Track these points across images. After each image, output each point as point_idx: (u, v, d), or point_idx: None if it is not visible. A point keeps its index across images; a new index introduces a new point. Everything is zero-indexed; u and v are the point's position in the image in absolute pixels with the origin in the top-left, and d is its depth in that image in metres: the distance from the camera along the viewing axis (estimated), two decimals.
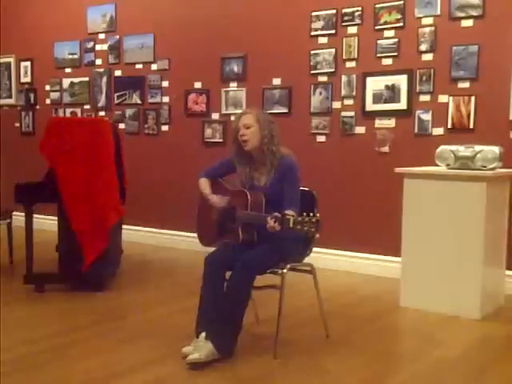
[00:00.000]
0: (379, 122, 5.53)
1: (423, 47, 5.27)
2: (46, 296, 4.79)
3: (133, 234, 6.77)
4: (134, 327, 4.07)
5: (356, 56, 5.62)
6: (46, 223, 6.21)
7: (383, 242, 5.42)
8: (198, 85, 6.64)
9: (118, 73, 7.26)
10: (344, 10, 5.63)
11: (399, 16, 5.36)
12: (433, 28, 5.22)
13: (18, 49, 8.16)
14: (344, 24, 5.65)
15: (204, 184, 3.83)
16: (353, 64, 5.65)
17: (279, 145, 3.68)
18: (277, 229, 3.30)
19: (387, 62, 5.46)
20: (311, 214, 3.23)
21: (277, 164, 3.64)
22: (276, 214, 3.32)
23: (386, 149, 5.50)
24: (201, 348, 3.33)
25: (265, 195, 3.59)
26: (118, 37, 7.20)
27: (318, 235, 3.25)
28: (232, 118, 6.34)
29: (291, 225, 3.24)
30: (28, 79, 8.14)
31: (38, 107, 8.07)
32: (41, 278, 4.90)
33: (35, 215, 4.94)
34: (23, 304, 4.58)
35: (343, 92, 5.70)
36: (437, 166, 4.53)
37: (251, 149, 3.66)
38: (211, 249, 3.70)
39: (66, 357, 3.52)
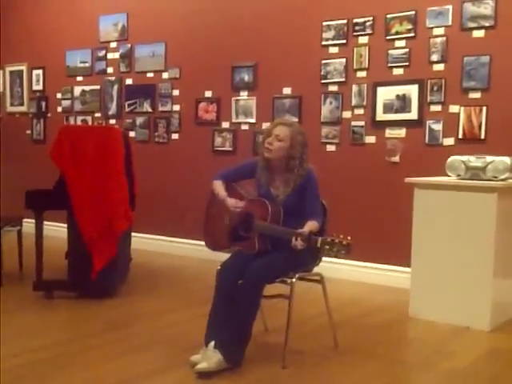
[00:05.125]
0: (390, 132, 5.52)
1: (434, 57, 5.26)
2: (55, 303, 4.79)
3: (142, 242, 6.77)
4: (142, 335, 4.07)
5: (367, 66, 5.62)
6: (56, 230, 6.22)
7: (393, 252, 5.39)
8: (208, 93, 6.66)
9: (129, 81, 7.30)
10: (355, 20, 5.64)
11: (410, 26, 5.36)
12: (444, 38, 5.21)
13: (30, 57, 8.23)
14: (355, 34, 5.65)
15: (219, 186, 3.77)
16: (363, 74, 5.65)
17: (307, 165, 3.65)
18: (302, 248, 3.29)
19: (398, 71, 5.46)
20: (341, 236, 3.21)
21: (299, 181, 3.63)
22: (302, 230, 3.31)
23: (396, 159, 5.49)
24: (209, 357, 3.31)
25: (282, 206, 3.58)
26: (129, 45, 7.24)
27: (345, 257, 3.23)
28: (242, 126, 6.38)
29: (319, 245, 3.23)
30: (40, 87, 8.20)
31: (49, 115, 8.12)
32: (50, 285, 4.90)
33: (45, 222, 4.95)
34: (32, 311, 4.58)
35: (354, 101, 5.70)
36: (447, 176, 4.51)
37: (271, 159, 3.64)
38: (222, 255, 3.70)
39: (74, 364, 3.51)
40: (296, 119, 5.95)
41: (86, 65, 7.66)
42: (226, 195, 3.71)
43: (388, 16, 5.46)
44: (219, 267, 3.56)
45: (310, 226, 3.41)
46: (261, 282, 3.43)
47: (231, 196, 3.73)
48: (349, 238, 3.19)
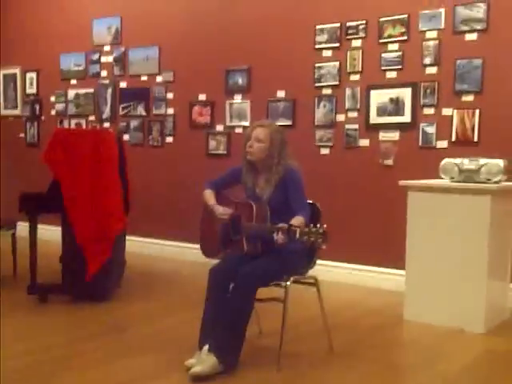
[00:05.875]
0: (383, 135, 5.54)
1: (427, 60, 5.28)
2: (49, 306, 4.78)
3: (136, 245, 6.77)
4: (136, 339, 4.06)
5: (360, 69, 5.63)
6: (50, 233, 6.22)
7: (387, 255, 5.41)
8: (202, 97, 6.67)
9: (123, 84, 7.29)
10: (348, 24, 5.65)
11: (403, 29, 5.38)
12: (437, 41, 5.24)
13: (23, 60, 8.21)
14: (348, 37, 5.67)
15: (208, 195, 3.83)
16: (357, 77, 5.66)
17: (286, 162, 3.67)
18: (284, 241, 3.30)
19: (391, 75, 5.48)
20: (318, 225, 3.23)
21: (281, 177, 3.65)
22: (281, 224, 3.32)
23: (390, 162, 5.51)
24: (204, 361, 3.32)
25: (268, 205, 3.60)
26: (123, 49, 7.24)
27: (324, 246, 3.24)
28: (236, 130, 6.38)
29: (298, 236, 3.24)
30: (33, 90, 8.19)
31: (43, 118, 8.11)
32: (44, 289, 4.90)
33: (39, 225, 4.94)
34: (26, 314, 4.57)
35: (347, 105, 5.71)
36: (441, 178, 4.52)
37: (254, 161, 3.69)
38: (215, 260, 3.70)
39: (68, 368, 3.51)
40: (290, 122, 5.98)
41: (80, 68, 7.66)
42: (215, 203, 3.77)
43: (381, 19, 5.48)
44: (210, 270, 3.57)
45: (294, 220, 3.41)
46: (253, 285, 3.43)
47: (221, 202, 3.78)
48: (324, 226, 3.22)
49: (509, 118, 4.95)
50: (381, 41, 5.50)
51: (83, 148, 4.87)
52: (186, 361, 3.41)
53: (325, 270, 5.12)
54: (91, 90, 7.57)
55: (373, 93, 5.56)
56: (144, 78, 7.10)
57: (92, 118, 7.61)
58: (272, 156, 3.64)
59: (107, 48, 7.40)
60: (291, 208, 3.55)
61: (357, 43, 5.64)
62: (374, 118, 5.57)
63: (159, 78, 6.98)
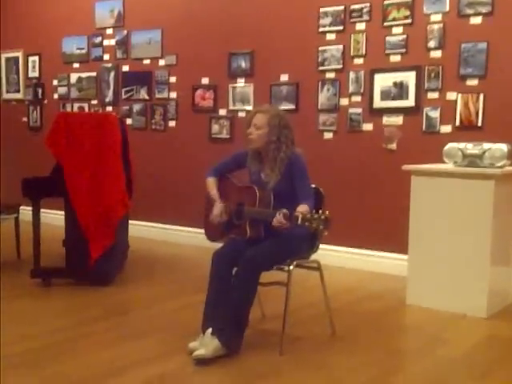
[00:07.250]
0: (387, 119, 5.51)
1: (432, 44, 5.25)
2: (52, 290, 4.80)
3: (139, 229, 6.77)
4: (139, 322, 4.08)
5: (364, 52, 5.60)
6: (54, 218, 6.22)
7: (390, 240, 5.40)
8: (205, 80, 6.64)
9: (125, 68, 7.26)
10: (352, 7, 5.61)
11: (408, 13, 5.34)
12: (441, 25, 5.19)
13: (26, 43, 8.18)
14: (352, 20, 5.63)
15: (211, 185, 3.82)
16: (361, 61, 5.63)
17: (289, 149, 3.63)
18: (281, 224, 3.29)
19: (395, 58, 5.44)
20: (320, 212, 3.22)
21: (284, 165, 3.63)
22: (284, 210, 3.31)
23: (393, 146, 5.49)
24: (207, 344, 3.33)
25: (273, 193, 3.59)
26: (125, 32, 7.20)
27: (326, 233, 3.23)
28: (239, 114, 6.36)
29: (300, 222, 3.23)
30: (36, 74, 8.16)
31: (45, 102, 8.09)
32: (48, 273, 4.91)
33: (42, 209, 4.95)
34: (30, 298, 4.59)
35: (351, 89, 5.68)
36: (445, 163, 4.51)
37: (255, 148, 3.67)
38: (219, 244, 3.71)
39: (70, 351, 3.52)
40: (293, 106, 5.95)
41: (83, 51, 7.62)
42: (217, 196, 3.75)
43: (385, 2, 5.44)
44: (213, 253, 3.58)
45: (298, 208, 3.39)
46: (256, 269, 3.44)
47: (225, 187, 3.78)
48: (327, 212, 3.20)
49: None
50: (385, 24, 5.46)
51: (86, 132, 4.87)
52: (189, 344, 3.42)
53: (327, 254, 5.12)
54: (94, 74, 7.54)
55: (377, 77, 5.53)
56: (147, 62, 7.07)
57: (94, 101, 7.59)
58: (271, 142, 3.62)
59: (110, 31, 7.36)
60: (296, 195, 3.54)
61: (361, 26, 5.60)
62: (378, 102, 5.54)
63: (162, 62, 6.95)
